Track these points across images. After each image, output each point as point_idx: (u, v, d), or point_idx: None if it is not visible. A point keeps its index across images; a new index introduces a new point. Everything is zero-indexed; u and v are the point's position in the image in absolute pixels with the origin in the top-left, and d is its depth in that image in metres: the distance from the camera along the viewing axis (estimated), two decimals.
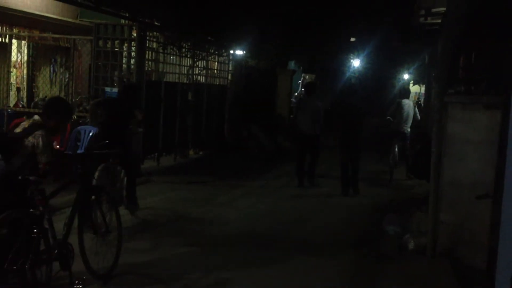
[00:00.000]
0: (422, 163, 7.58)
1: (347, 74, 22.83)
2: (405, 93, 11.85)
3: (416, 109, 11.00)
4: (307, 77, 25.65)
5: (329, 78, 22.89)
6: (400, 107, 10.71)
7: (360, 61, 21.85)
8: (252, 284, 4.96)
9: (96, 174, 6.16)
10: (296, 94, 25.58)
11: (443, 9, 7.76)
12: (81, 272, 4.40)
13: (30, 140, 4.14)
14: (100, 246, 4.65)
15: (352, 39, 19.76)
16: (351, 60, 21.91)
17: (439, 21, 8.73)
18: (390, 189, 9.94)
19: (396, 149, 10.45)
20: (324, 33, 15.55)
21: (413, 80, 24.50)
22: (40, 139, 4.13)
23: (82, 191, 4.51)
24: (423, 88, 23.92)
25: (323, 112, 9.71)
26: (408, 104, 10.85)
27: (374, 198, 9.10)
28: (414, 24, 10.15)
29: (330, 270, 5.41)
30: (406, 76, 24.03)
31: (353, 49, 20.90)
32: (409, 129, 10.71)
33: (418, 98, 27.76)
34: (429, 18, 9.23)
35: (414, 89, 27.98)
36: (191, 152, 12.31)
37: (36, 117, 4.29)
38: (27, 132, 4.17)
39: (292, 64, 20.63)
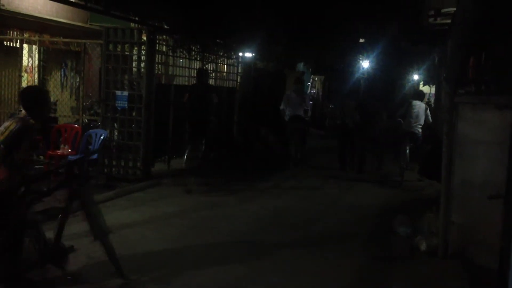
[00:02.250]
0: (433, 163, 7.57)
1: (356, 75, 22.77)
2: (418, 94, 11.80)
3: (428, 111, 11.03)
4: (316, 78, 25.62)
5: (338, 79, 22.83)
6: (410, 107, 10.78)
7: (369, 62, 21.78)
8: (259, 285, 4.97)
9: (186, 152, 9.27)
10: None
11: (452, 9, 7.75)
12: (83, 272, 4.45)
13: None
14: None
15: (361, 40, 19.71)
16: (360, 61, 21.85)
17: (449, 21, 8.71)
18: (400, 190, 9.92)
19: (407, 151, 10.43)
20: (332, 34, 15.53)
21: (423, 80, 24.39)
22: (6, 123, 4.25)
23: (72, 194, 4.55)
24: (433, 89, 23.81)
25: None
26: (419, 105, 10.88)
27: (385, 199, 9.08)
28: (423, 24, 10.14)
29: (340, 271, 5.41)
30: (416, 77, 23.93)
31: (362, 50, 20.84)
32: (420, 130, 10.73)
33: (428, 99, 27.62)
34: (438, 19, 9.22)
35: (424, 89, 27.81)
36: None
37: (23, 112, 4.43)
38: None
39: (301, 66, 20.62)
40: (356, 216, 7.85)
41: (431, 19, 9.52)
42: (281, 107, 11.84)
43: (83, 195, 4.58)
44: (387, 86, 20.58)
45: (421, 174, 9.74)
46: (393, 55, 19.29)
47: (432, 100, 23.80)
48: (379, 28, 16.06)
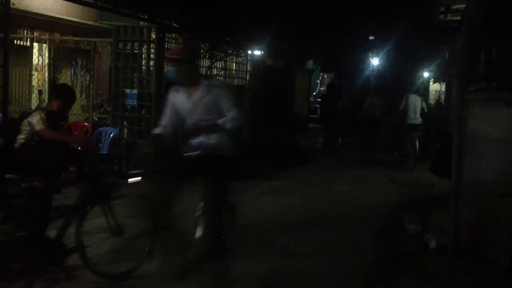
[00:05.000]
0: (443, 161, 7.52)
1: (366, 73, 22.71)
2: (415, 88, 13.14)
3: (424, 103, 12.41)
4: (325, 76, 25.57)
5: (347, 76, 22.78)
6: (407, 102, 12.12)
7: (379, 60, 21.69)
8: (266, 284, 4.97)
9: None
10: (314, 93, 25.49)
11: (462, 6, 7.70)
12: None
13: (28, 119, 4.97)
14: (117, 246, 4.76)
15: (371, 38, 19.64)
16: (370, 59, 21.77)
17: (459, 18, 8.65)
18: (410, 187, 9.88)
19: (415, 140, 11.87)
20: (342, 31, 15.50)
21: (433, 77, 24.25)
22: (37, 116, 4.93)
23: (86, 191, 4.53)
24: (443, 86, 23.67)
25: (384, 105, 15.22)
26: (415, 98, 12.17)
27: (394, 196, 9.05)
28: (433, 21, 10.08)
29: (349, 269, 5.39)
30: (426, 74, 23.81)
31: (371, 48, 20.77)
32: (420, 121, 12.15)
33: (438, 96, 27.48)
34: (448, 15, 9.16)
35: (435, 87, 27.68)
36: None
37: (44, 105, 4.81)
38: (28, 113, 5.08)
39: (310, 63, 20.59)
40: (365, 214, 7.82)
41: (441, 16, 9.46)
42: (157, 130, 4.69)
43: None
44: (398, 82, 20.53)
45: (431, 172, 9.72)
46: (403, 52, 19.21)
47: (443, 98, 23.65)
48: (389, 25, 16.01)
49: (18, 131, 5.22)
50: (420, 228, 6.51)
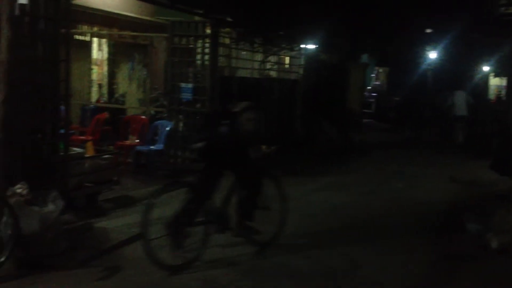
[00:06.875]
0: (504, 158, 7.25)
1: (422, 67, 22.13)
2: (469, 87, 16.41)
3: (469, 96, 14.64)
4: (380, 70, 25.09)
5: (402, 71, 22.26)
6: (454, 97, 14.48)
7: (436, 53, 21.06)
8: (320, 278, 4.94)
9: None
10: (369, 88, 25.07)
11: None
12: None
13: (245, 117, 5.35)
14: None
15: (428, 30, 19.11)
16: (427, 52, 21.18)
17: None
18: (470, 185, 9.56)
19: (460, 129, 14.42)
20: (398, 24, 15.18)
21: (493, 72, 23.40)
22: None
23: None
24: (504, 81, 22.81)
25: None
26: (459, 93, 14.52)
27: (453, 195, 8.80)
28: (494, 14, 9.74)
29: (405, 268, 5.29)
30: (486, 69, 22.99)
31: (429, 41, 20.21)
32: (466, 113, 14.39)
33: (499, 91, 26.49)
34: (510, 8, 8.82)
35: (495, 81, 26.73)
36: (263, 147, 12.34)
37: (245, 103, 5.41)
38: (241, 111, 5.37)
39: (365, 57, 20.25)
40: (422, 212, 7.64)
41: (502, 8, 9.13)
42: None
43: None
44: (456, 78, 19.97)
45: (492, 170, 9.39)
46: (461, 46, 18.63)
47: (503, 92, 22.82)
48: (447, 18, 15.56)
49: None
50: (481, 227, 6.29)
